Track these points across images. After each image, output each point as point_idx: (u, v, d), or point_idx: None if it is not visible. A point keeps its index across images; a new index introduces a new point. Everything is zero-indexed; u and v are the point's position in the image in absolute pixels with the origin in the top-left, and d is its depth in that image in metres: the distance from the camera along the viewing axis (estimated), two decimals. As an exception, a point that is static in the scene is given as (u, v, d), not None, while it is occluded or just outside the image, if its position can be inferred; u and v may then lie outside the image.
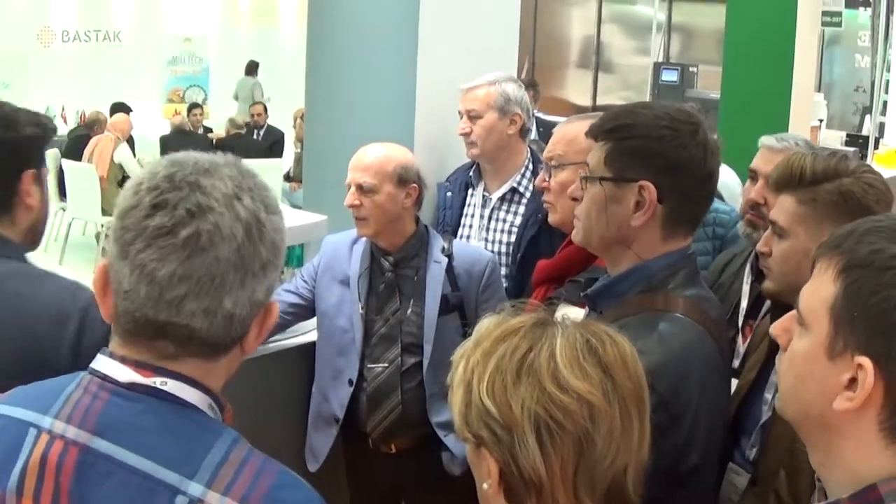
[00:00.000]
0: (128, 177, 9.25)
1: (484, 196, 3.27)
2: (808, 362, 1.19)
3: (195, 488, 1.12)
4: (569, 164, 2.38)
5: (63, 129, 13.59)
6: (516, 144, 3.24)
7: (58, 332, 1.74)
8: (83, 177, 8.99)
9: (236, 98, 14.16)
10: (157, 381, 1.17)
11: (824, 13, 9.05)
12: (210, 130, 10.66)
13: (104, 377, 1.19)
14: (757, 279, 2.45)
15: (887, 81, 10.18)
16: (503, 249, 3.17)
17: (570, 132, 2.41)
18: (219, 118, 11.84)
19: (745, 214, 2.66)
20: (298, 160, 10.34)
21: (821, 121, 9.26)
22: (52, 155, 10.39)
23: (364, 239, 2.92)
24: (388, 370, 2.86)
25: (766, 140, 2.79)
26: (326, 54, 3.55)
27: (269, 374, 2.96)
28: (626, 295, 1.80)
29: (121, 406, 1.17)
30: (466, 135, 3.20)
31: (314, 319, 3.10)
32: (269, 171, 9.84)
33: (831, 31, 11.13)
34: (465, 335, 2.76)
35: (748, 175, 2.76)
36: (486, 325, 1.33)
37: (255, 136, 10.88)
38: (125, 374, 1.17)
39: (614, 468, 1.24)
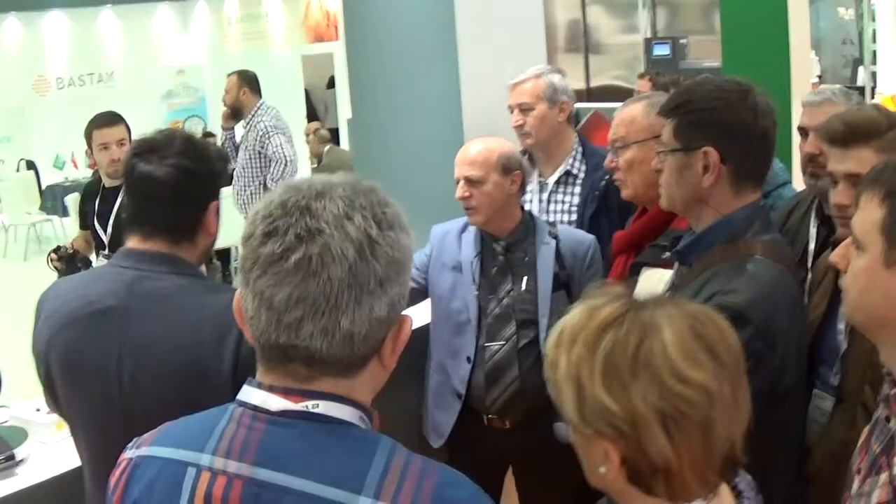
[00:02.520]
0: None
1: (540, 182, 3.53)
2: (869, 275, 1.49)
3: (363, 501, 1.13)
4: (632, 143, 2.70)
5: (74, 174, 13.88)
6: (566, 131, 3.50)
7: (218, 343, 1.84)
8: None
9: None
10: (309, 405, 1.19)
11: (812, -28, 9.27)
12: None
13: (255, 408, 1.21)
14: (823, 223, 2.69)
15: (874, 31, 10.42)
16: (564, 229, 3.42)
17: (628, 114, 2.74)
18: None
19: (804, 168, 2.90)
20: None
21: (819, 77, 9.51)
22: (73, 199, 10.64)
23: (473, 227, 3.16)
24: (504, 347, 3.07)
25: (806, 98, 3.06)
26: (369, 68, 3.79)
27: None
28: (712, 246, 2.09)
29: (278, 434, 1.18)
30: (520, 127, 3.45)
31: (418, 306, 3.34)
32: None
33: (816, -10, 11.32)
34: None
35: (799, 133, 3.01)
36: (575, 315, 1.36)
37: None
38: (276, 402, 1.19)
39: (730, 440, 1.30)
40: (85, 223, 4.40)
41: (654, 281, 2.58)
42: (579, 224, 3.39)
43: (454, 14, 3.52)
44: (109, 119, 4.20)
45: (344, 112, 15.78)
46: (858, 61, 10.92)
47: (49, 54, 16.89)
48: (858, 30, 11.02)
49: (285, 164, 6.35)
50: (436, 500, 1.15)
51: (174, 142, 1.97)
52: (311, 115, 15.77)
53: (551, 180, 3.50)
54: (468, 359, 3.11)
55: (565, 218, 3.45)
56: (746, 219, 2.09)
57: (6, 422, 2.78)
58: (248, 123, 6.56)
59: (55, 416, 2.68)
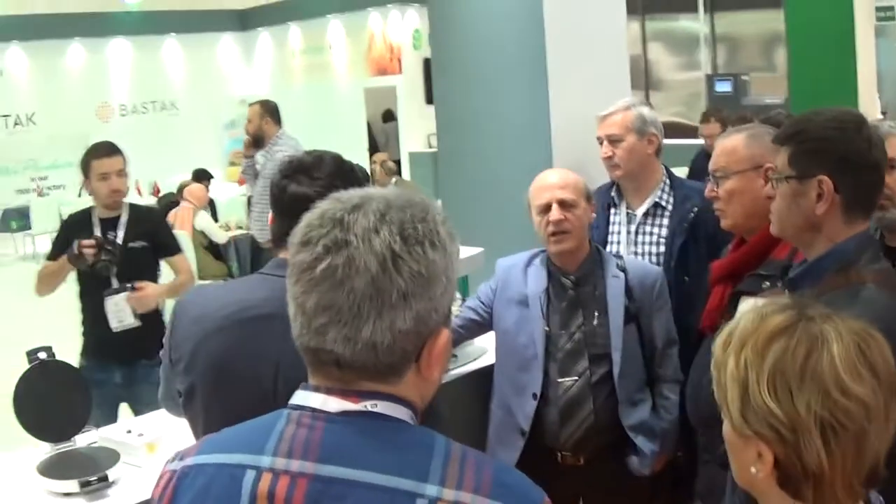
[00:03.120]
0: (212, 242, 9.57)
1: (628, 213, 3.49)
2: None
3: (431, 489, 1.17)
4: (732, 173, 2.67)
5: (138, 201, 14.05)
6: (654, 162, 3.47)
7: None
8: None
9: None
10: (368, 405, 1.23)
11: (877, 8, 9.20)
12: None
13: (314, 410, 1.24)
14: (887, 254, 2.65)
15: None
16: (652, 260, 3.38)
17: (729, 145, 2.73)
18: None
19: None
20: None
21: (884, 113, 9.39)
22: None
23: (538, 260, 3.15)
24: (578, 383, 3.04)
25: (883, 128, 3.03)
26: (457, 97, 3.78)
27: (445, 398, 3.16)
28: (824, 274, 2.07)
29: (339, 431, 1.21)
30: (609, 158, 3.43)
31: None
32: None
33: (877, 25, 11.22)
34: (642, 343, 3.00)
35: None
36: (746, 321, 1.42)
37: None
38: (334, 404, 1.23)
39: (878, 453, 1.36)
40: (57, 253, 4.19)
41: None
42: (668, 255, 3.35)
43: (545, 44, 3.49)
44: (108, 149, 4.15)
45: (406, 145, 15.93)
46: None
47: (114, 80, 17.17)
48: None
49: None
50: (496, 485, 1.20)
51: (323, 163, 2.01)
52: (373, 147, 15.90)
53: (640, 212, 3.46)
54: (534, 395, 3.07)
55: (654, 249, 3.41)
56: (858, 247, 2.09)
57: (95, 443, 2.77)
58: (267, 152, 6.63)
59: (147, 438, 2.68)
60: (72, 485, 2.47)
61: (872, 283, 2.00)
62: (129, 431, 2.72)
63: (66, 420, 2.71)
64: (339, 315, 1.19)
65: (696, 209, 3.33)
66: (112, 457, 2.57)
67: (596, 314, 3.06)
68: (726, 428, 1.45)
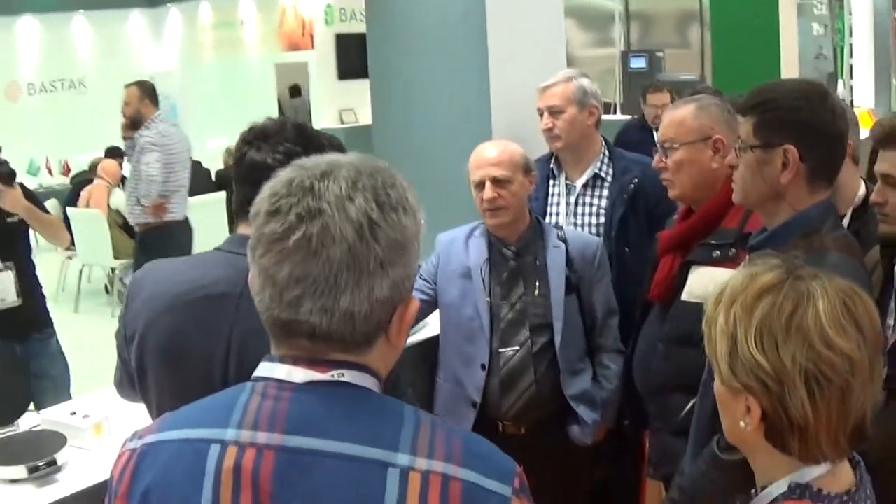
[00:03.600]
0: (127, 221, 9.34)
1: (567, 184, 3.51)
2: None
3: (402, 458, 1.16)
4: (681, 144, 2.70)
5: (49, 181, 13.68)
6: (594, 134, 3.50)
7: None
8: (92, 223, 9.05)
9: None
10: (335, 374, 1.20)
11: (800, -14, 9.39)
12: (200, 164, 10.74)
13: (279, 381, 1.21)
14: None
15: (851, 46, 10.58)
16: (592, 231, 3.41)
17: (678, 116, 2.75)
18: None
19: None
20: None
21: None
22: (51, 205, 10.48)
23: (479, 232, 3.14)
24: (519, 352, 3.05)
25: None
26: (392, 68, 3.74)
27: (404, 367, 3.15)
28: (788, 241, 2.09)
29: (306, 401, 1.19)
30: (549, 130, 3.43)
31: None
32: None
33: (799, 3, 11.46)
34: (583, 313, 3.02)
35: None
36: (737, 279, 1.49)
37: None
38: (301, 374, 1.20)
39: (862, 410, 1.42)
40: None
41: (705, 279, 2.61)
42: (608, 226, 3.39)
43: (485, 16, 3.48)
44: None
45: (318, 121, 15.74)
46: (833, 76, 11.06)
47: (21, 60, 16.63)
48: (834, 45, 11.15)
49: (149, 183, 6.40)
50: (467, 454, 1.19)
51: (285, 129, 1.94)
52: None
53: (579, 183, 3.48)
54: (483, 366, 3.08)
55: (593, 220, 3.44)
56: (820, 215, 2.12)
57: (38, 426, 2.68)
58: (138, 135, 6.55)
59: (93, 420, 2.60)
60: (19, 470, 2.38)
61: (835, 249, 2.04)
62: (74, 413, 2.63)
63: (6, 404, 2.61)
64: (315, 286, 1.16)
65: (635, 181, 3.37)
66: (58, 440, 2.48)
67: (537, 284, 3.07)
68: (717, 383, 1.51)
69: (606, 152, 3.50)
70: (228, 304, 1.84)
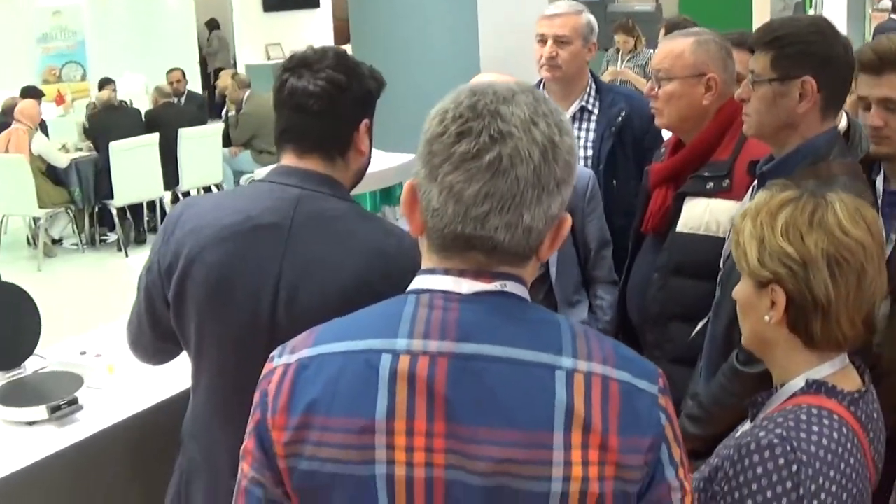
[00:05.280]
0: (51, 166, 9.28)
1: (555, 117, 3.69)
2: None
3: (566, 361, 1.30)
4: (676, 77, 2.91)
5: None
6: (586, 69, 3.70)
7: (387, 284, 1.86)
8: (13, 169, 8.97)
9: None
10: (499, 285, 1.34)
11: None
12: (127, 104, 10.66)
13: (445, 292, 1.34)
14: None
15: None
16: (579, 164, 3.60)
17: (677, 48, 2.95)
18: (124, 90, 11.73)
19: None
20: (236, 124, 10.54)
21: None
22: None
23: None
24: None
25: None
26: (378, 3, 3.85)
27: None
28: (796, 168, 2.35)
29: (474, 311, 1.32)
30: (552, 58, 3.59)
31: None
32: (211, 138, 10.03)
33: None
34: (576, 245, 3.21)
35: None
36: (760, 198, 1.80)
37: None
38: (467, 285, 1.34)
39: (873, 298, 1.73)
40: None
41: (699, 210, 2.84)
42: (596, 160, 3.58)
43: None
44: None
45: (242, 56, 15.62)
46: (801, 5, 11.37)
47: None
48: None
49: None
50: (619, 357, 1.34)
51: (326, 57, 2.03)
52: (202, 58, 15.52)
53: (566, 116, 3.65)
54: None
55: (581, 153, 3.62)
56: (828, 143, 2.38)
57: (44, 368, 2.82)
58: None
59: (106, 359, 2.75)
60: (40, 411, 2.51)
61: (843, 174, 2.28)
62: (84, 353, 2.77)
63: (16, 345, 2.73)
64: (503, 202, 1.29)
65: (623, 113, 3.57)
66: (75, 380, 2.63)
67: None
68: (739, 287, 1.81)
69: (593, 85, 3.69)
70: (279, 235, 1.95)
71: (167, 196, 10.02)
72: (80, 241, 9.75)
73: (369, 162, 2.14)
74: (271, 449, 1.34)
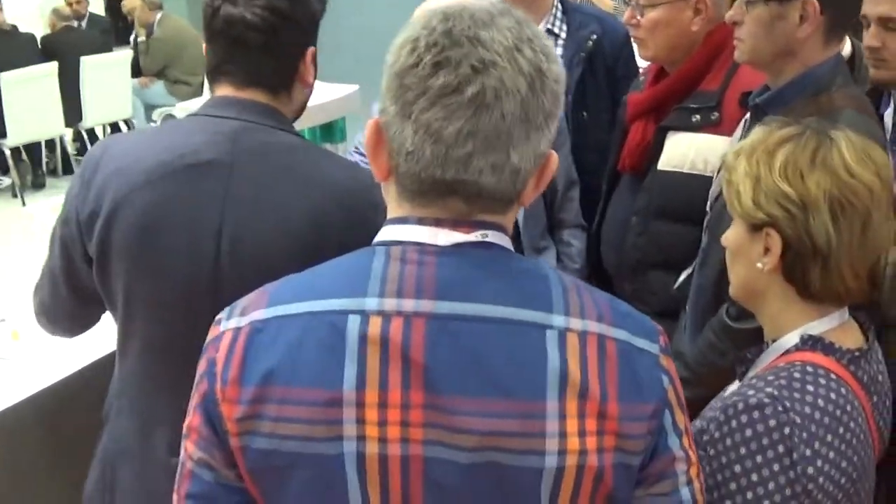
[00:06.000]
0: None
1: (516, 42, 3.60)
2: None
3: (557, 320, 1.26)
4: (659, 3, 2.86)
5: None
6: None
7: (340, 214, 1.87)
8: None
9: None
10: (479, 235, 1.30)
11: None
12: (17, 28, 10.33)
13: (420, 244, 1.30)
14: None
15: None
16: (544, 94, 3.54)
17: None
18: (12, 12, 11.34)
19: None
20: (147, 51, 10.28)
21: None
22: None
23: None
24: None
25: None
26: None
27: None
28: (795, 100, 2.31)
29: (452, 265, 1.28)
30: None
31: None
32: (119, 67, 9.78)
33: None
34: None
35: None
36: (756, 135, 1.77)
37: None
38: (445, 236, 1.29)
39: (878, 249, 1.70)
40: None
41: (683, 146, 2.81)
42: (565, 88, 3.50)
43: None
44: None
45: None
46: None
47: None
48: None
49: None
50: (615, 314, 1.31)
51: None
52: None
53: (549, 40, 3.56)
54: None
55: (546, 82, 3.54)
56: (831, 71, 2.33)
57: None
58: None
59: (10, 325, 2.66)
60: (-64, 385, 2.44)
61: (848, 107, 2.25)
62: (4, 321, 2.67)
63: None
64: (487, 142, 1.24)
65: (594, 37, 3.47)
66: (-24, 350, 2.55)
67: None
68: (730, 233, 1.80)
69: (559, 5, 3.59)
70: (218, 173, 1.88)
71: (68, 134, 9.76)
72: (-33, 186, 9.53)
73: (311, 92, 2.08)
74: (221, 425, 1.28)
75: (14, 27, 9.98)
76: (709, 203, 2.53)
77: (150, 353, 1.98)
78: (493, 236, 1.31)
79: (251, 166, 1.89)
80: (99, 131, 10.21)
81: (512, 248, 1.34)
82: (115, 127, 10.30)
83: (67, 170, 9.70)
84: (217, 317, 1.36)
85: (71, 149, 9.73)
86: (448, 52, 1.24)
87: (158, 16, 10.39)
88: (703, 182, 2.65)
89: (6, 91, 8.80)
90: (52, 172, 9.74)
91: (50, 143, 9.68)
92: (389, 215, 1.35)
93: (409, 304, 1.25)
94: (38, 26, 11.00)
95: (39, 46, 9.76)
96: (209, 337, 1.35)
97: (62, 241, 1.99)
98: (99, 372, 2.35)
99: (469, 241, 1.29)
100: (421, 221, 1.30)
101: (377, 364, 1.24)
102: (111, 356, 2.10)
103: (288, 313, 1.29)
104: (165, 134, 2.02)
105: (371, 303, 1.26)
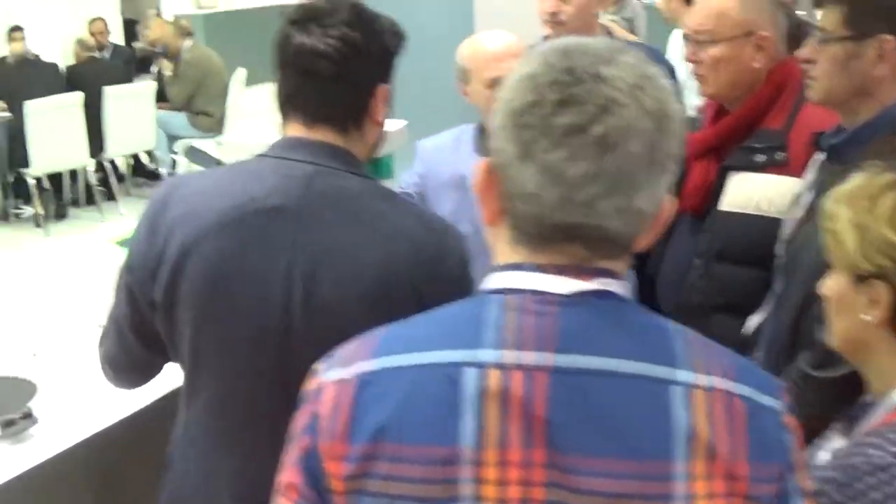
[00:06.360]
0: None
1: (566, 78, 3.58)
2: None
3: (682, 375, 1.21)
4: (722, 39, 2.81)
5: None
6: (596, 21, 3.62)
7: (412, 262, 1.84)
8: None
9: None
10: (600, 283, 1.25)
11: None
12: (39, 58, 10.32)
13: (538, 293, 1.25)
14: None
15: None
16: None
17: (719, 5, 2.84)
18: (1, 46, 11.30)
19: None
20: (175, 79, 10.26)
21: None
22: None
23: (467, 137, 3.21)
24: None
25: None
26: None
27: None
28: (871, 140, 2.27)
29: (573, 315, 1.23)
30: (553, 14, 3.51)
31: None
32: (142, 98, 9.78)
33: None
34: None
35: None
36: (855, 181, 1.75)
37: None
38: (564, 284, 1.24)
39: None
40: None
41: (747, 187, 2.76)
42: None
43: None
44: None
45: (169, 5, 15.33)
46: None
47: None
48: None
49: None
50: (738, 368, 1.26)
51: (340, 9, 1.91)
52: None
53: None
54: None
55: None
56: None
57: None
58: None
59: (64, 363, 2.60)
60: (-12, 426, 2.36)
61: None
62: (35, 355, 2.61)
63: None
64: (612, 184, 1.20)
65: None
66: (25, 388, 2.49)
67: None
68: (832, 283, 1.75)
69: (606, 35, 3.59)
70: (289, 220, 1.84)
71: (91, 164, 9.72)
72: (-9, 214, 9.53)
73: (383, 133, 2.03)
74: (325, 483, 1.24)
75: (37, 56, 9.99)
76: (780, 245, 2.49)
77: (216, 401, 1.93)
78: (613, 284, 1.26)
79: (322, 212, 1.85)
80: (120, 162, 10.21)
81: (629, 298, 1.28)
82: (136, 158, 10.31)
83: (90, 200, 9.70)
84: (314, 366, 1.32)
85: (93, 179, 9.69)
86: (572, 90, 1.20)
87: (188, 43, 10.41)
88: (768, 223, 2.61)
89: (31, 120, 8.79)
90: (75, 203, 9.71)
91: (72, 174, 9.66)
92: (499, 261, 1.30)
93: (530, 357, 1.20)
94: (56, 55, 10.99)
95: (64, 76, 9.77)
96: (308, 389, 1.31)
97: (127, 289, 1.94)
98: (154, 413, 2.30)
99: (590, 289, 1.24)
100: (539, 268, 1.26)
101: (496, 420, 1.19)
102: (168, 396, 2.07)
103: (398, 365, 1.24)
104: (235, 176, 1.96)
105: (487, 355, 1.21)
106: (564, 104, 1.20)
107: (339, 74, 1.89)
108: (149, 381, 2.11)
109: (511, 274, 1.27)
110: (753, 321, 2.62)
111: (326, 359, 1.32)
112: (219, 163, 10.25)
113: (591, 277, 1.25)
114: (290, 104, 1.94)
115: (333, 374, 1.28)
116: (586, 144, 1.19)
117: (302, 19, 1.91)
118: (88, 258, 3.61)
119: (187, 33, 10.43)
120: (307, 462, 1.26)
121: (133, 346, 1.99)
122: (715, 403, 1.21)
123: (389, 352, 1.26)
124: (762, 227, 2.64)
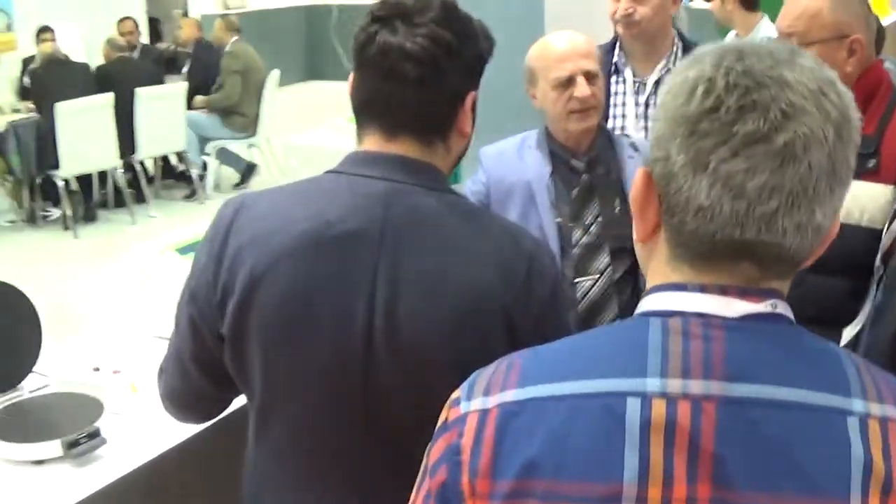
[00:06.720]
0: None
1: (636, 82, 3.53)
2: None
3: (857, 404, 1.13)
4: (814, 41, 2.71)
5: None
6: (670, 24, 3.53)
7: (502, 287, 1.71)
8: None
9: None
10: (769, 305, 1.17)
11: None
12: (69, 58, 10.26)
13: (702, 315, 1.17)
14: None
15: None
16: (664, 139, 3.44)
17: (811, 6, 2.75)
18: (30, 46, 11.28)
19: None
20: (228, 74, 10.24)
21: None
22: None
23: (533, 142, 3.11)
24: (599, 282, 3.06)
25: None
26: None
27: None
28: None
29: (742, 341, 1.15)
30: (629, 15, 3.43)
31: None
32: (172, 99, 9.73)
33: None
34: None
35: None
36: None
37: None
38: (730, 306, 1.17)
39: None
40: None
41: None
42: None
43: None
44: None
45: (197, 5, 15.36)
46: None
47: None
48: None
49: None
50: None
51: (430, 7, 1.75)
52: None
53: (650, 80, 3.51)
54: None
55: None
56: None
57: (44, 387, 2.57)
58: None
59: (127, 376, 2.51)
60: (52, 447, 2.26)
61: None
62: (98, 369, 2.53)
63: (11, 359, 2.48)
64: (793, 197, 1.13)
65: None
66: (91, 405, 2.40)
67: (617, 201, 3.05)
68: None
69: (679, 43, 3.53)
70: (368, 243, 1.71)
71: (121, 166, 9.65)
72: (18, 217, 9.46)
73: (468, 145, 1.88)
74: None
75: (67, 56, 9.92)
76: (880, 256, 2.41)
77: (294, 436, 1.81)
78: (781, 306, 1.18)
79: (403, 235, 1.71)
80: (149, 164, 10.17)
81: (794, 321, 1.20)
82: (165, 160, 10.26)
83: (119, 202, 9.64)
84: (453, 396, 1.24)
85: (122, 181, 9.61)
86: (754, 95, 1.12)
87: (234, 38, 10.40)
88: (860, 232, 2.56)
89: (61, 121, 8.74)
90: (104, 205, 9.66)
91: (100, 175, 9.60)
92: (657, 280, 1.23)
93: (697, 386, 1.13)
94: (81, 55, 10.94)
95: (94, 76, 9.70)
96: (444, 419, 1.22)
97: (190, 320, 1.80)
98: (226, 429, 2.22)
99: (759, 312, 1.16)
100: (704, 289, 1.18)
101: (661, 455, 1.11)
102: (237, 412, 1.97)
103: (549, 395, 1.16)
104: (306, 197, 1.80)
105: (652, 384, 1.13)
106: (746, 109, 1.12)
107: (425, 77, 1.73)
108: (216, 416, 1.99)
109: (672, 295, 1.19)
110: (849, 333, 2.53)
111: (465, 387, 1.24)
112: (249, 165, 10.29)
113: (760, 299, 1.17)
114: (368, 111, 1.79)
115: (474, 403, 1.20)
116: (768, 154, 1.12)
117: (388, 16, 1.76)
118: (136, 264, 3.52)
119: (235, 29, 10.43)
120: (445, 498, 1.18)
121: (197, 380, 1.86)
122: (890, 434, 1.13)
123: (538, 380, 1.19)
124: (853, 237, 2.55)
